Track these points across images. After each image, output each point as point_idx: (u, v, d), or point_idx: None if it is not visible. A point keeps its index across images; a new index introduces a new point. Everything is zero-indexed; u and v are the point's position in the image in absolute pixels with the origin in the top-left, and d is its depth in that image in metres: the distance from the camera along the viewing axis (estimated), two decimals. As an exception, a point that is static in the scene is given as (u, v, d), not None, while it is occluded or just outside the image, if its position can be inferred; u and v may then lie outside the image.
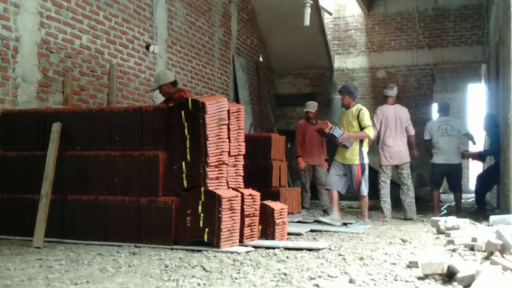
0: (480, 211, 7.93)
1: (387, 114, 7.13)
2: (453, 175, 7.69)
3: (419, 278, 2.95)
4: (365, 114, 6.39)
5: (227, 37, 9.94)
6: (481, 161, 9.22)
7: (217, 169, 4.30)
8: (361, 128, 6.34)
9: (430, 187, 7.93)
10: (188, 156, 4.28)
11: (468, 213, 7.74)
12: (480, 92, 14.96)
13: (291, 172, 9.50)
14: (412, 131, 7.30)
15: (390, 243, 4.64)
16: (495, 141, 7.84)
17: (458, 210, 7.62)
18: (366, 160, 6.44)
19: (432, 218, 7.17)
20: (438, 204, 7.74)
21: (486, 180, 8.45)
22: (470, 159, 9.11)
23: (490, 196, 10.37)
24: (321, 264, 3.53)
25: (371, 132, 6.38)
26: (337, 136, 6.31)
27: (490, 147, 8.31)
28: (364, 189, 6.39)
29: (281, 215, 4.70)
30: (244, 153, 4.67)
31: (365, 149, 6.45)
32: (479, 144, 9.58)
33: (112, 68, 6.53)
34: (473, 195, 9.60)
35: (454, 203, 8.19)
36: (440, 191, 8.30)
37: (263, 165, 7.42)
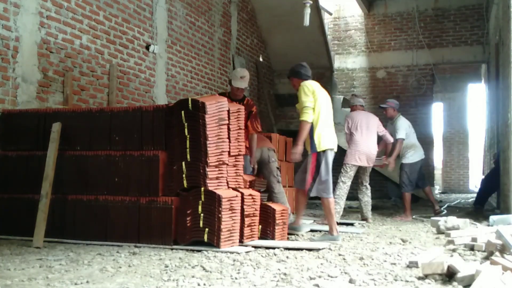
0: (477, 212, 7.91)
1: (359, 118, 6.86)
2: (421, 169, 7.78)
3: (419, 278, 2.95)
4: (303, 90, 5.01)
5: (227, 37, 9.93)
6: None
7: (217, 169, 4.30)
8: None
9: (403, 189, 7.46)
10: (188, 156, 4.28)
11: (466, 213, 7.74)
12: (480, 92, 14.96)
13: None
14: (391, 139, 7.19)
15: (390, 243, 4.64)
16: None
17: (435, 202, 7.79)
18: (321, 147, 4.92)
19: (403, 220, 7.09)
20: (410, 205, 7.46)
21: (491, 182, 8.30)
22: None
23: (490, 196, 10.35)
24: (321, 264, 3.53)
25: (306, 117, 4.89)
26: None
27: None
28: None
29: (282, 215, 4.70)
30: (244, 153, 4.67)
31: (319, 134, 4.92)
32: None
33: (112, 68, 6.53)
34: (473, 195, 9.58)
35: (452, 202, 8.19)
36: (441, 191, 8.25)
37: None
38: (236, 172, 4.54)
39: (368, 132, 6.86)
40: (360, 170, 6.88)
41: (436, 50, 12.02)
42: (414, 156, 7.53)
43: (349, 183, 6.71)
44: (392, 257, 3.75)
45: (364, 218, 6.82)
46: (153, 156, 4.44)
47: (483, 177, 8.95)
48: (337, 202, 6.45)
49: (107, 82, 6.47)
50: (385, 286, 2.83)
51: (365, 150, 6.74)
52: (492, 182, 8.22)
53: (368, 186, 6.99)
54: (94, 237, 4.45)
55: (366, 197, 6.90)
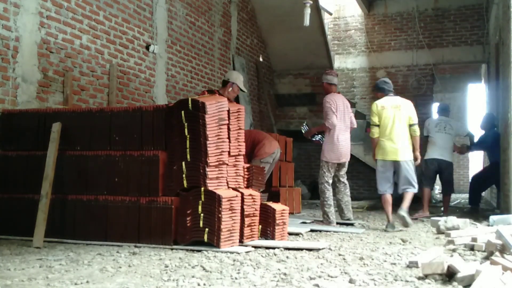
0: (473, 212, 7.92)
1: (338, 103, 6.31)
2: (445, 173, 7.69)
3: (419, 278, 2.95)
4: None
5: (227, 37, 9.94)
6: (463, 152, 8.98)
7: (217, 169, 4.30)
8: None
9: (422, 184, 7.56)
10: (188, 156, 4.28)
11: (462, 213, 7.75)
12: (480, 92, 14.96)
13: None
14: (355, 123, 6.58)
15: (390, 243, 4.64)
16: (489, 140, 7.86)
17: (446, 211, 7.56)
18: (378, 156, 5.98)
19: (421, 217, 7.12)
20: (429, 202, 7.53)
21: (481, 181, 8.42)
22: (456, 151, 8.79)
23: (490, 196, 10.34)
24: (321, 264, 3.53)
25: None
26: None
27: (479, 140, 8.28)
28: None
29: (282, 215, 4.70)
30: (244, 153, 4.67)
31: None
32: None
33: (112, 68, 6.53)
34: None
35: (452, 203, 8.19)
36: (441, 191, 8.24)
37: (263, 165, 7.40)
38: (236, 172, 4.54)
39: (345, 124, 6.35)
40: (337, 166, 6.35)
41: (436, 50, 12.03)
42: (428, 153, 7.68)
43: (331, 181, 6.34)
44: (392, 257, 3.75)
45: (346, 219, 6.37)
46: (153, 156, 4.44)
47: (472, 176, 9.02)
48: (329, 204, 6.18)
49: (107, 82, 6.47)
50: (385, 286, 2.83)
51: (343, 147, 6.28)
52: (481, 179, 8.31)
53: (347, 183, 6.47)
54: (94, 237, 4.45)
55: (346, 196, 6.40)
